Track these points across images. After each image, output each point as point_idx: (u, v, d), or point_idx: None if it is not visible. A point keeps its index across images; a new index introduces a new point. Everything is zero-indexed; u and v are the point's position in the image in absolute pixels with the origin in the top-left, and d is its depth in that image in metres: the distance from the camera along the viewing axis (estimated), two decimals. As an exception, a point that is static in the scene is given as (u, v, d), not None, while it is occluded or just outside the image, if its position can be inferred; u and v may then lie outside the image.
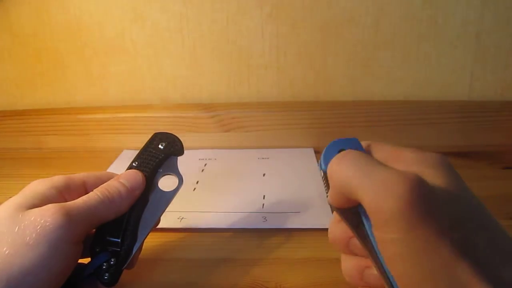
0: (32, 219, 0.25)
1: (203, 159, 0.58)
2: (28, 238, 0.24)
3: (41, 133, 0.64)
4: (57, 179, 0.30)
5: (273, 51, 0.62)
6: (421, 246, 0.19)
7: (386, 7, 0.59)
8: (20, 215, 0.25)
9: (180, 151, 0.34)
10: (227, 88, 0.65)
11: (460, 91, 0.62)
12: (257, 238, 0.40)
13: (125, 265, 0.30)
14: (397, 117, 0.60)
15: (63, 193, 0.30)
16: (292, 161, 0.57)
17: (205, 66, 0.64)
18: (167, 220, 0.42)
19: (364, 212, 0.22)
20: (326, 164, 0.24)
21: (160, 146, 0.33)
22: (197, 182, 0.51)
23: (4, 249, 0.24)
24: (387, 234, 0.19)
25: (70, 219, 0.26)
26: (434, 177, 0.21)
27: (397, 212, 0.19)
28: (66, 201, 0.29)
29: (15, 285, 0.23)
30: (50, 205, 0.26)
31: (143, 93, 0.65)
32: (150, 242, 0.39)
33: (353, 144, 0.25)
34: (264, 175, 0.53)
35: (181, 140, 0.34)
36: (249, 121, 0.62)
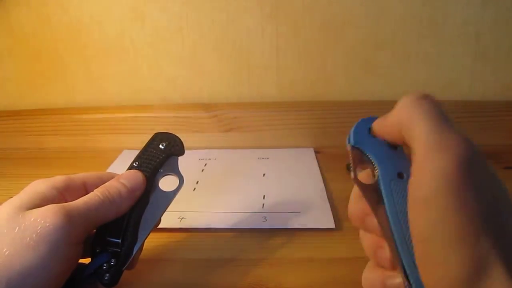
0: (32, 219, 0.25)
1: (203, 159, 0.58)
2: (28, 239, 0.24)
3: (41, 133, 0.64)
4: (58, 180, 0.30)
5: (273, 51, 0.62)
6: (453, 212, 0.18)
7: (386, 7, 0.59)
8: (20, 216, 0.25)
9: (181, 151, 0.34)
10: (227, 88, 0.65)
11: (460, 91, 0.62)
12: (257, 238, 0.40)
13: (126, 266, 0.29)
14: (397, 117, 0.60)
15: (63, 194, 0.29)
16: (292, 161, 0.57)
17: (205, 66, 0.64)
18: (167, 220, 0.42)
19: (386, 189, 0.23)
20: (356, 140, 0.25)
21: (160, 146, 0.33)
22: (197, 182, 0.51)
23: (4, 249, 0.24)
24: (423, 192, 0.19)
25: (70, 220, 0.26)
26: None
27: (443, 174, 0.19)
28: (67, 201, 0.29)
29: (15, 286, 0.23)
30: (50, 206, 0.26)
31: (143, 93, 0.65)
32: (150, 242, 0.39)
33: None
34: (264, 175, 0.53)
35: (182, 140, 0.34)
36: (249, 121, 0.62)
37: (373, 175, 0.24)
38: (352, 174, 0.25)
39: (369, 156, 0.25)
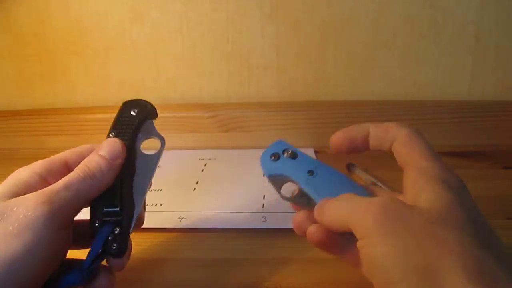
0: (14, 209, 0.25)
1: (203, 159, 0.58)
2: (11, 228, 0.24)
3: (41, 133, 0.64)
4: (37, 164, 0.30)
5: (273, 51, 0.62)
6: (391, 240, 0.21)
7: (386, 7, 0.59)
8: (1, 205, 0.25)
9: (153, 114, 0.33)
10: (227, 88, 0.65)
11: (460, 91, 0.62)
12: (257, 238, 0.40)
13: (130, 231, 0.29)
14: (397, 117, 0.60)
15: (45, 177, 0.29)
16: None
17: (205, 66, 0.64)
18: (167, 220, 0.42)
19: (306, 187, 0.29)
20: (266, 170, 0.33)
21: (132, 113, 0.33)
22: (197, 182, 0.51)
23: None
24: (369, 240, 0.22)
25: (51, 205, 0.25)
26: (427, 193, 0.24)
27: (374, 221, 0.22)
28: (50, 184, 0.28)
29: (1, 272, 0.23)
30: (30, 195, 0.26)
31: (143, 93, 0.65)
32: (150, 242, 0.39)
33: (280, 145, 0.34)
34: (264, 175, 0.53)
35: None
36: (249, 121, 0.62)
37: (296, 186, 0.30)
38: (280, 196, 0.30)
39: (282, 175, 0.31)
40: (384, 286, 0.22)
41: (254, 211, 0.44)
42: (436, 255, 0.20)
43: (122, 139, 0.31)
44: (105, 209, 0.29)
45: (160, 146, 0.33)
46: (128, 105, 0.33)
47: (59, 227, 0.26)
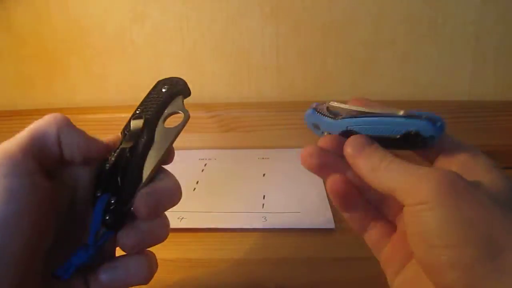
0: None
1: (203, 159, 0.58)
2: None
3: (41, 133, 0.64)
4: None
5: (273, 51, 0.62)
6: (451, 209, 0.20)
7: (386, 7, 0.59)
8: None
9: (184, 90, 0.32)
10: (227, 88, 0.65)
11: (460, 91, 0.62)
12: (257, 238, 0.40)
13: (128, 206, 0.27)
14: (397, 117, 0.60)
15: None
16: (292, 161, 0.57)
17: (205, 66, 0.64)
18: (167, 220, 0.42)
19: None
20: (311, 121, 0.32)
21: (163, 89, 0.33)
22: (197, 182, 0.51)
23: None
24: (426, 205, 0.21)
25: (7, 152, 0.24)
26: (479, 177, 0.23)
27: (433, 189, 0.21)
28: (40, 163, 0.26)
29: None
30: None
31: (143, 93, 0.65)
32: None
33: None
34: (264, 175, 0.53)
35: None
36: (249, 121, 0.62)
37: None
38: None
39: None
40: (436, 250, 0.20)
41: (254, 211, 0.44)
42: (500, 232, 0.20)
43: (145, 114, 0.31)
44: (106, 181, 0.28)
45: (183, 118, 0.31)
46: (162, 82, 0.33)
47: (24, 173, 0.23)
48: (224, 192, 0.49)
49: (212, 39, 0.62)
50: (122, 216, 0.27)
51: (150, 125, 0.31)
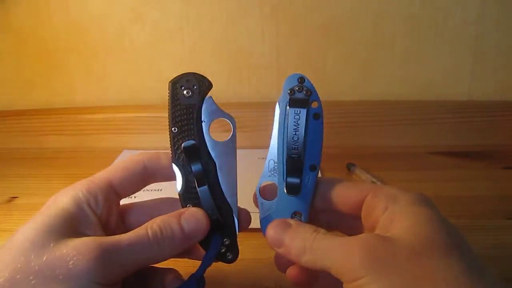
0: (64, 252, 0.23)
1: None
2: (57, 272, 0.22)
3: (41, 133, 0.64)
4: (78, 189, 0.27)
5: (273, 51, 0.62)
6: (384, 279, 0.21)
7: (386, 7, 0.59)
8: (52, 245, 0.23)
9: (209, 86, 0.29)
10: (227, 88, 0.64)
11: (460, 91, 0.62)
12: (257, 238, 0.40)
13: (237, 234, 0.29)
14: (397, 117, 0.60)
15: (90, 205, 0.26)
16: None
17: (205, 66, 0.64)
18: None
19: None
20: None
21: (185, 94, 0.28)
22: (197, 182, 0.51)
23: (31, 277, 0.22)
24: (359, 282, 0.21)
25: (106, 261, 0.23)
26: (403, 221, 0.23)
27: (361, 263, 0.21)
28: (95, 213, 0.26)
29: None
30: (87, 241, 0.23)
31: (143, 93, 0.65)
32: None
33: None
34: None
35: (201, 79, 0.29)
36: (249, 121, 0.62)
37: None
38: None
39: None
40: None
41: (254, 211, 0.44)
42: (431, 287, 0.20)
43: (188, 134, 0.28)
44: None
45: (231, 125, 0.29)
46: (177, 86, 0.28)
47: (108, 283, 0.24)
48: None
49: (212, 39, 0.62)
50: (237, 248, 0.29)
51: (202, 146, 0.28)
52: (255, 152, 0.60)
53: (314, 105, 0.28)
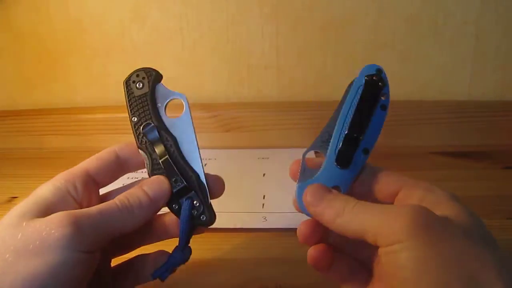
0: (37, 226, 0.24)
1: (203, 159, 0.58)
2: (31, 246, 0.23)
3: (41, 133, 0.64)
4: (58, 178, 0.28)
5: (273, 51, 0.62)
6: (428, 247, 0.20)
7: (386, 7, 0.59)
8: (24, 224, 0.24)
9: (157, 76, 0.32)
10: (227, 88, 0.65)
11: (460, 91, 0.62)
12: (257, 238, 0.40)
13: (209, 197, 0.30)
14: (397, 117, 0.60)
15: (69, 191, 0.28)
16: (292, 161, 0.56)
17: (205, 66, 0.64)
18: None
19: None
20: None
21: (137, 86, 0.31)
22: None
23: (7, 255, 0.23)
24: (401, 245, 0.21)
25: (78, 228, 0.24)
26: (445, 210, 0.23)
27: (406, 228, 0.21)
28: (75, 200, 0.27)
29: None
30: (57, 213, 0.25)
31: (143, 93, 0.65)
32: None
33: None
34: (264, 175, 0.53)
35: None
36: (249, 121, 0.62)
37: None
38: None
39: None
40: None
41: (254, 211, 0.44)
42: (477, 268, 0.20)
43: (147, 119, 0.30)
44: (174, 190, 0.29)
45: (184, 104, 0.31)
46: (130, 82, 0.32)
47: (84, 250, 0.24)
48: (224, 192, 0.49)
49: (212, 39, 0.62)
50: (211, 209, 0.30)
51: (161, 126, 0.30)
52: (255, 152, 0.61)
53: (383, 97, 0.29)
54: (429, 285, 0.20)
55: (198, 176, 0.30)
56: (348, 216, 0.24)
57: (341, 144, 0.28)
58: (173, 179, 0.29)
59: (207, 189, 0.30)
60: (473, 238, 0.21)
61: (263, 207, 0.45)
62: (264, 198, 0.47)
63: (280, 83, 0.64)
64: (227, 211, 0.44)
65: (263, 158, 0.58)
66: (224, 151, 0.61)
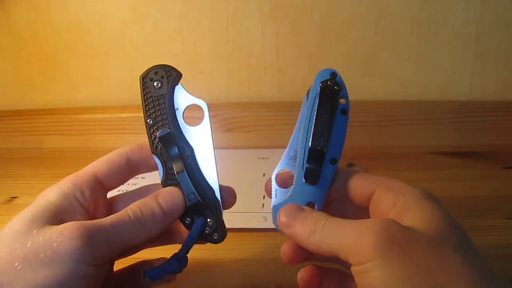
0: (47, 236, 0.23)
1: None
2: (42, 255, 0.22)
3: (41, 133, 0.64)
4: (65, 182, 0.27)
5: (273, 51, 0.62)
6: (395, 264, 0.20)
7: (386, 7, 0.59)
8: (35, 232, 0.24)
9: (177, 76, 0.31)
10: (227, 88, 0.65)
11: (460, 91, 0.62)
12: (257, 238, 0.40)
13: (222, 212, 0.29)
14: (397, 117, 0.60)
15: (76, 197, 0.27)
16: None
17: (205, 66, 0.64)
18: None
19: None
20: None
21: (155, 86, 0.30)
22: (197, 182, 0.51)
23: (16, 264, 0.22)
24: (368, 264, 0.21)
25: (89, 241, 0.23)
26: (415, 216, 0.23)
27: (373, 246, 0.21)
28: (82, 205, 0.27)
29: None
30: (69, 224, 0.24)
31: (143, 93, 0.65)
32: (150, 242, 0.39)
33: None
34: (264, 175, 0.53)
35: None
36: (249, 121, 0.62)
37: None
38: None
39: None
40: None
41: (254, 211, 0.44)
42: (445, 279, 0.19)
43: (162, 125, 0.29)
44: (188, 204, 0.28)
45: (204, 111, 0.30)
46: (147, 79, 0.30)
47: (94, 263, 0.24)
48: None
49: (212, 39, 0.62)
50: (223, 227, 0.29)
51: (177, 133, 0.29)
52: (255, 152, 0.61)
53: (342, 101, 0.29)
54: None
55: (213, 192, 0.29)
56: (320, 235, 0.24)
57: (306, 160, 0.28)
58: (188, 193, 0.28)
59: (221, 205, 0.29)
60: (441, 246, 0.21)
61: (263, 207, 0.45)
62: (264, 198, 0.47)
63: (280, 83, 0.64)
64: (227, 211, 0.44)
65: (263, 158, 0.58)
66: (224, 151, 0.61)
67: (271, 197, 0.29)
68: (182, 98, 0.30)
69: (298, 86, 0.64)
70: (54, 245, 0.23)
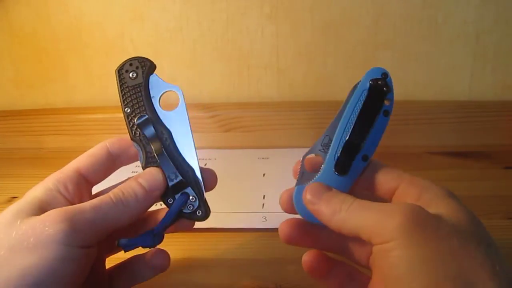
0: (31, 224, 0.24)
1: (203, 159, 0.58)
2: (26, 243, 0.23)
3: (41, 133, 0.64)
4: (50, 178, 0.28)
5: (273, 51, 0.62)
6: (420, 246, 0.20)
7: (386, 7, 0.59)
8: (19, 222, 0.24)
9: (151, 66, 0.32)
10: (227, 88, 0.65)
11: (460, 91, 0.62)
12: (257, 238, 0.40)
13: (204, 191, 0.30)
14: (397, 117, 0.60)
15: (60, 191, 0.28)
16: (292, 161, 0.56)
17: (205, 66, 0.64)
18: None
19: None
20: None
21: (131, 76, 0.31)
22: (197, 182, 0.51)
23: (2, 252, 0.23)
24: (393, 243, 0.21)
25: (73, 224, 0.24)
26: (440, 208, 0.23)
27: (399, 226, 0.21)
28: (67, 199, 0.28)
29: (14, 285, 0.22)
30: (51, 211, 0.25)
31: (143, 93, 0.65)
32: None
33: None
34: (264, 175, 0.53)
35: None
36: (249, 121, 0.62)
37: None
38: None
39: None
40: None
41: (254, 211, 0.44)
42: (468, 266, 0.20)
43: (142, 114, 0.30)
44: (169, 184, 0.29)
45: (179, 96, 0.31)
46: (122, 71, 0.31)
47: (80, 245, 0.24)
48: (224, 192, 0.49)
49: (212, 39, 0.62)
50: (206, 204, 0.30)
51: (155, 118, 0.30)
52: (255, 152, 0.61)
53: (386, 102, 0.29)
54: (420, 284, 0.20)
55: (193, 170, 0.30)
56: (345, 214, 0.24)
57: (340, 151, 0.28)
58: (169, 173, 0.29)
59: (202, 184, 0.30)
60: (467, 237, 0.21)
61: (263, 207, 0.45)
62: (264, 198, 0.47)
63: (280, 83, 0.64)
64: (227, 211, 0.44)
65: (263, 158, 0.58)
66: (224, 151, 0.61)
67: (296, 178, 0.29)
68: (158, 87, 0.31)
69: (298, 86, 0.64)
70: (38, 231, 0.23)
